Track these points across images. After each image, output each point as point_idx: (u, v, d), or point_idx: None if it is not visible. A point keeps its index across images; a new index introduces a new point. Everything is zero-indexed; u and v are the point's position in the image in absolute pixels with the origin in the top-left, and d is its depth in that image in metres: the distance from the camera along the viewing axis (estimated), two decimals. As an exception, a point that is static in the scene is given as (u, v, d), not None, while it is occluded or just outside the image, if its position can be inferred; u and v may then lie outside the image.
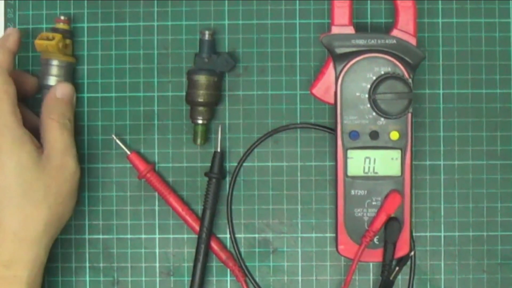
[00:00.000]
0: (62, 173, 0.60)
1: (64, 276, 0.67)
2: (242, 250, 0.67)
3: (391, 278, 0.63)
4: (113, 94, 0.68)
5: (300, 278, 0.67)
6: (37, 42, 0.63)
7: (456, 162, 0.66)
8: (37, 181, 0.58)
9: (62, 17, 0.65)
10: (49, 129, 0.61)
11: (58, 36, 0.63)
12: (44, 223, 0.59)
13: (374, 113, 0.61)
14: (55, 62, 0.64)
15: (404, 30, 0.62)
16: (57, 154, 0.60)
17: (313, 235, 0.67)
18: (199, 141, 0.66)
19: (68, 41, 0.65)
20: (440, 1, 0.67)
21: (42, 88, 0.65)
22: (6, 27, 0.68)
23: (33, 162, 0.58)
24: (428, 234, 0.66)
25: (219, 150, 0.66)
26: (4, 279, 0.58)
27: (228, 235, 0.68)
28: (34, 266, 0.59)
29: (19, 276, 0.58)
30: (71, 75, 0.66)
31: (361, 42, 0.61)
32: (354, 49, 0.61)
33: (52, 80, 0.64)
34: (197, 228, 0.66)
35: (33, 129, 0.61)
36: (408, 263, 0.65)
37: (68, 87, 0.64)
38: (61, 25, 0.65)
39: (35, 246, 0.59)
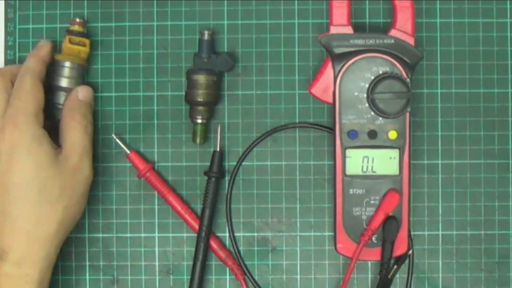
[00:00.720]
0: (78, 175, 0.61)
1: (64, 274, 0.67)
2: (241, 248, 0.68)
3: (389, 277, 0.64)
4: (113, 94, 0.68)
5: (298, 276, 0.67)
6: (69, 46, 0.65)
7: (454, 161, 0.66)
8: (52, 180, 0.59)
9: (77, 19, 0.65)
10: (71, 130, 0.62)
11: (88, 42, 0.65)
12: (57, 223, 0.60)
13: (372, 113, 0.61)
14: (67, 64, 0.64)
15: (402, 30, 0.62)
16: (75, 155, 0.61)
17: (312, 234, 0.67)
18: (198, 140, 0.66)
19: (85, 45, 0.66)
20: (438, 1, 0.67)
21: (53, 89, 0.65)
22: (6, 27, 0.68)
23: (50, 162, 0.59)
24: (426, 232, 0.67)
25: (218, 149, 0.66)
26: (15, 278, 0.58)
27: (227, 234, 0.68)
28: (44, 265, 0.59)
29: (30, 275, 0.58)
30: (83, 76, 0.66)
31: (359, 42, 0.61)
32: (352, 49, 0.61)
33: (64, 82, 0.64)
34: (197, 227, 0.66)
35: (52, 131, 0.62)
36: (406, 261, 0.65)
37: (89, 90, 0.65)
38: (76, 27, 0.65)
39: (47, 245, 0.59)
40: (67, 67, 0.64)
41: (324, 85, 0.63)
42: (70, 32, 0.65)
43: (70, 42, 0.65)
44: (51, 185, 0.59)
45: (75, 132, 0.62)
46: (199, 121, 0.65)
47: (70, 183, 0.60)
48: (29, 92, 0.60)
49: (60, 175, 0.59)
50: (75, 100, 0.63)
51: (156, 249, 0.67)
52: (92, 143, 0.64)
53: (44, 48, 0.64)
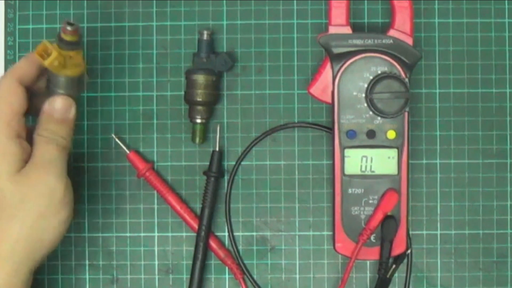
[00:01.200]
0: (41, 188, 0.56)
1: (64, 274, 0.67)
2: (240, 248, 0.68)
3: (387, 276, 0.64)
4: (113, 94, 0.68)
5: (297, 276, 0.67)
6: (36, 55, 0.56)
7: (452, 161, 0.67)
8: (11, 194, 0.55)
9: (68, 28, 0.56)
10: (35, 143, 0.57)
11: (54, 54, 0.55)
12: (15, 239, 0.55)
13: (371, 112, 0.61)
14: (57, 76, 0.58)
15: (401, 30, 0.62)
16: (35, 168, 0.56)
17: (311, 233, 0.67)
18: (197, 140, 0.66)
19: (72, 53, 0.57)
20: (436, 1, 0.67)
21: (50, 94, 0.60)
22: (6, 27, 0.68)
23: (10, 174, 0.55)
24: (424, 232, 0.67)
25: (217, 149, 0.66)
26: None
27: (226, 233, 0.68)
28: (5, 285, 0.55)
29: None
30: (77, 86, 0.59)
31: (358, 42, 0.62)
32: (351, 49, 0.62)
33: (58, 92, 0.59)
34: (196, 226, 0.66)
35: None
36: (405, 261, 0.65)
37: (64, 103, 0.58)
38: (67, 36, 0.56)
39: (5, 263, 0.55)
40: (59, 78, 0.58)
41: (323, 85, 0.63)
42: (61, 40, 0.56)
43: (38, 51, 0.56)
44: (9, 198, 0.55)
45: (38, 146, 0.57)
46: (198, 120, 0.65)
47: (29, 197, 0.56)
48: (2, 97, 0.57)
49: (18, 188, 0.55)
50: (45, 113, 0.58)
51: (156, 248, 0.68)
52: (68, 155, 0.59)
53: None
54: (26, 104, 0.57)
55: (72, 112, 0.59)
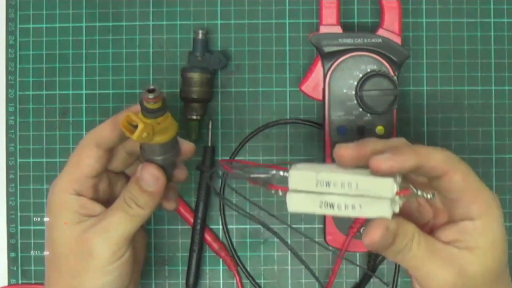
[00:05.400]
0: (80, 247, 0.53)
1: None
2: (234, 240, 0.68)
3: (374, 267, 0.65)
4: (110, 91, 0.68)
5: (289, 267, 0.68)
6: (122, 128, 0.49)
7: (439, 156, 0.67)
8: (59, 245, 0.54)
9: (150, 96, 0.47)
10: (109, 209, 0.55)
11: (141, 126, 0.48)
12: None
13: (360, 109, 0.62)
14: (149, 145, 0.52)
15: (390, 29, 0.63)
16: (91, 225, 0.54)
17: (302, 226, 0.68)
18: (193, 136, 0.66)
19: (160, 119, 0.49)
20: (424, 2, 0.68)
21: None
22: (7, 26, 0.69)
23: (59, 232, 0.54)
24: (412, 225, 0.67)
25: (209, 144, 0.66)
26: None
27: (220, 226, 0.68)
28: None
29: None
30: (172, 149, 0.53)
31: (348, 41, 0.62)
32: (341, 47, 0.62)
33: (154, 159, 0.53)
34: (191, 219, 0.67)
35: None
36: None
37: (152, 174, 0.53)
38: (150, 105, 0.48)
39: None
40: (151, 146, 0.52)
41: (314, 82, 0.64)
42: (144, 109, 0.48)
43: (124, 123, 0.49)
44: (57, 248, 0.55)
45: (114, 205, 0.55)
46: (194, 117, 0.66)
47: (72, 252, 0.54)
48: (73, 157, 0.55)
49: (68, 241, 0.54)
50: (134, 177, 0.54)
51: (152, 240, 0.68)
52: (138, 225, 0.55)
53: (120, 117, 0.51)
54: (100, 168, 0.55)
55: (158, 186, 0.53)
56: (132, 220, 0.54)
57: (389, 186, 0.46)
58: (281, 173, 0.49)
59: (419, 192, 0.48)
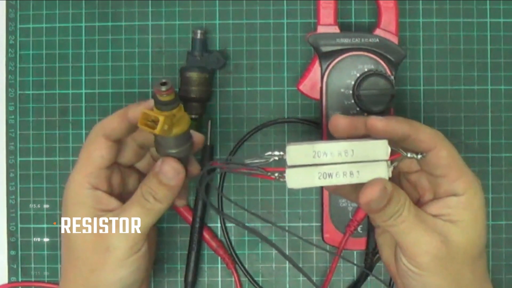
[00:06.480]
0: (98, 241, 0.54)
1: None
2: (232, 238, 0.68)
3: (371, 266, 0.65)
4: (110, 90, 0.69)
5: (287, 265, 0.68)
6: (141, 127, 0.49)
7: (435, 155, 0.68)
8: (74, 241, 0.54)
9: (163, 88, 0.48)
10: (129, 202, 0.55)
11: (162, 119, 0.49)
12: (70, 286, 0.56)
13: (358, 108, 0.62)
14: (166, 138, 0.53)
15: (387, 29, 0.63)
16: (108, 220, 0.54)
17: (300, 224, 0.68)
18: None
19: (175, 111, 0.50)
20: (420, 2, 0.68)
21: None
22: (7, 26, 0.69)
23: (77, 222, 0.54)
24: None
25: (208, 144, 0.66)
26: None
27: (219, 225, 0.68)
28: None
29: None
30: (186, 142, 0.54)
31: (345, 41, 0.62)
32: (339, 47, 0.62)
33: (171, 153, 0.54)
34: (190, 218, 0.67)
35: None
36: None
37: (173, 168, 0.54)
38: (164, 97, 0.49)
39: None
40: (168, 139, 0.53)
41: (312, 82, 0.64)
42: (158, 102, 0.49)
43: (142, 121, 0.49)
44: (71, 244, 0.55)
45: (132, 198, 0.55)
46: (192, 116, 0.65)
47: (88, 248, 0.54)
48: (84, 151, 0.55)
49: (83, 237, 0.54)
50: (153, 170, 0.54)
51: None
52: (155, 218, 0.55)
53: (131, 111, 0.54)
54: (111, 159, 0.55)
55: (178, 179, 0.54)
56: (150, 214, 0.54)
57: (384, 146, 0.49)
58: (277, 152, 0.50)
59: (409, 154, 0.51)
